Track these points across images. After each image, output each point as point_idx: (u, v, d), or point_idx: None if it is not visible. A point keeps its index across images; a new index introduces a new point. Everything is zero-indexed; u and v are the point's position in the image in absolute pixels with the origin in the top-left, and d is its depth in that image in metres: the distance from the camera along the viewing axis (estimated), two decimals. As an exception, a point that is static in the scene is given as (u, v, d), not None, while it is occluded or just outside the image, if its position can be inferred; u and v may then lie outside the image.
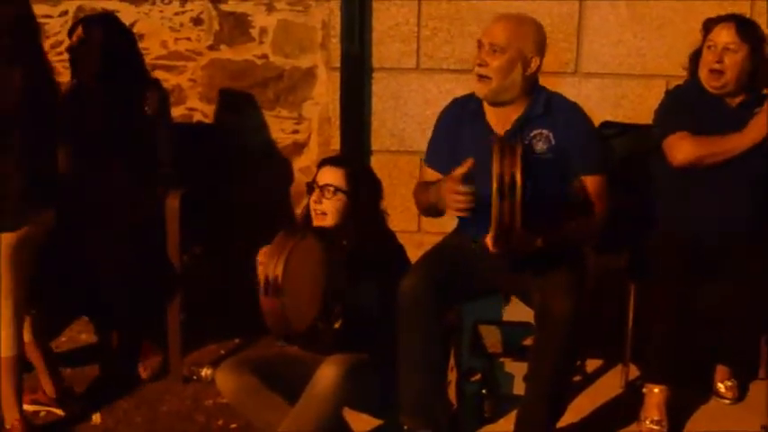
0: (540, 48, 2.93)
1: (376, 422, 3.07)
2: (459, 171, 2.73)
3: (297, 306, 2.70)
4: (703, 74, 3.18)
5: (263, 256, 2.75)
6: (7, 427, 3.00)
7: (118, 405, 3.34)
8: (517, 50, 2.87)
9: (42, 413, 3.25)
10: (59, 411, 3.25)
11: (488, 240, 2.65)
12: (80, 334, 3.85)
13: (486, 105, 2.97)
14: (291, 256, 2.65)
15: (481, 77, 2.88)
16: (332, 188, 2.94)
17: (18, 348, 2.99)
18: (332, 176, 2.96)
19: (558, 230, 2.80)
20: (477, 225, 2.78)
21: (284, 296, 2.63)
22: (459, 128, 3.03)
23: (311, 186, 2.98)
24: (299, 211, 3.63)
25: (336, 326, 2.87)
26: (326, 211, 2.93)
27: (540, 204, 2.65)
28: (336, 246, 2.94)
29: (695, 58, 3.27)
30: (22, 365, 3.04)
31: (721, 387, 3.32)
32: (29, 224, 2.92)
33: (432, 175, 3.04)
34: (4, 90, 2.84)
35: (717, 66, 3.14)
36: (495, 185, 2.55)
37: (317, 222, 2.95)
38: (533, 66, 2.90)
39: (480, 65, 2.87)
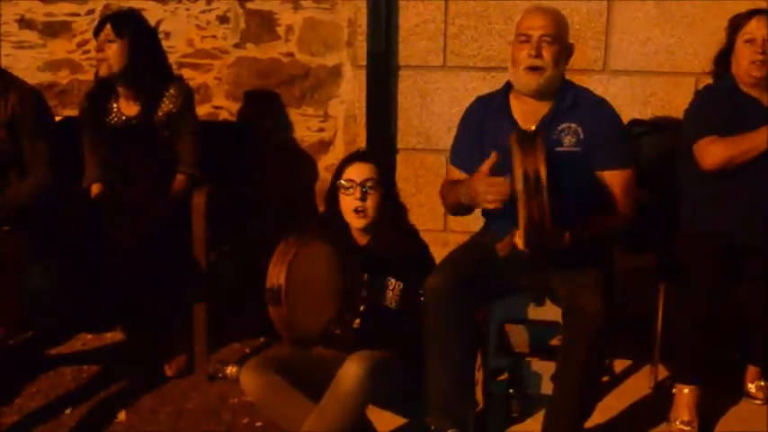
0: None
1: (400, 420, 3.05)
2: (486, 166, 2.72)
3: (307, 312, 2.69)
4: (743, 66, 3.14)
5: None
6: None
7: (143, 403, 3.34)
8: (563, 39, 2.90)
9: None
10: None
11: (517, 239, 2.62)
12: (105, 332, 3.86)
13: (512, 101, 2.97)
14: (295, 263, 2.62)
15: (535, 69, 2.86)
16: (371, 182, 2.91)
17: None
18: (366, 171, 2.93)
19: (587, 225, 2.78)
20: (502, 221, 2.77)
21: (290, 304, 2.60)
22: (483, 126, 3.01)
23: (345, 186, 2.92)
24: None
25: (355, 325, 2.86)
26: (367, 208, 2.91)
27: (567, 198, 2.62)
28: (349, 246, 2.92)
29: (723, 58, 3.24)
30: None
31: (752, 388, 3.28)
32: None
33: (457, 174, 3.02)
34: None
35: (760, 57, 3.10)
36: (520, 185, 2.52)
37: (359, 222, 2.92)
38: (571, 55, 2.93)
39: (536, 56, 2.85)
